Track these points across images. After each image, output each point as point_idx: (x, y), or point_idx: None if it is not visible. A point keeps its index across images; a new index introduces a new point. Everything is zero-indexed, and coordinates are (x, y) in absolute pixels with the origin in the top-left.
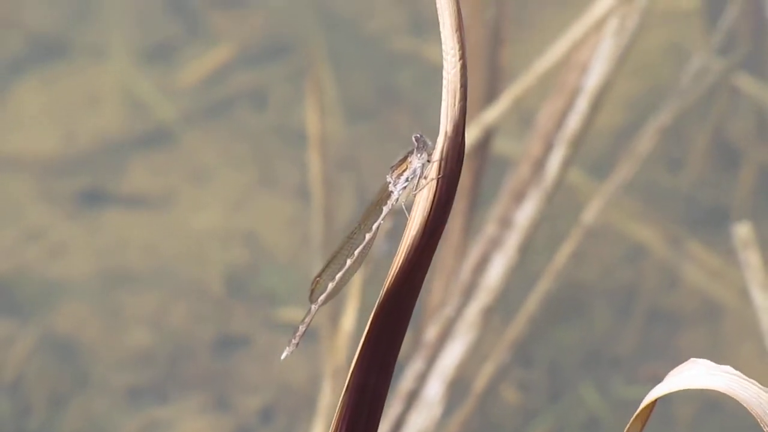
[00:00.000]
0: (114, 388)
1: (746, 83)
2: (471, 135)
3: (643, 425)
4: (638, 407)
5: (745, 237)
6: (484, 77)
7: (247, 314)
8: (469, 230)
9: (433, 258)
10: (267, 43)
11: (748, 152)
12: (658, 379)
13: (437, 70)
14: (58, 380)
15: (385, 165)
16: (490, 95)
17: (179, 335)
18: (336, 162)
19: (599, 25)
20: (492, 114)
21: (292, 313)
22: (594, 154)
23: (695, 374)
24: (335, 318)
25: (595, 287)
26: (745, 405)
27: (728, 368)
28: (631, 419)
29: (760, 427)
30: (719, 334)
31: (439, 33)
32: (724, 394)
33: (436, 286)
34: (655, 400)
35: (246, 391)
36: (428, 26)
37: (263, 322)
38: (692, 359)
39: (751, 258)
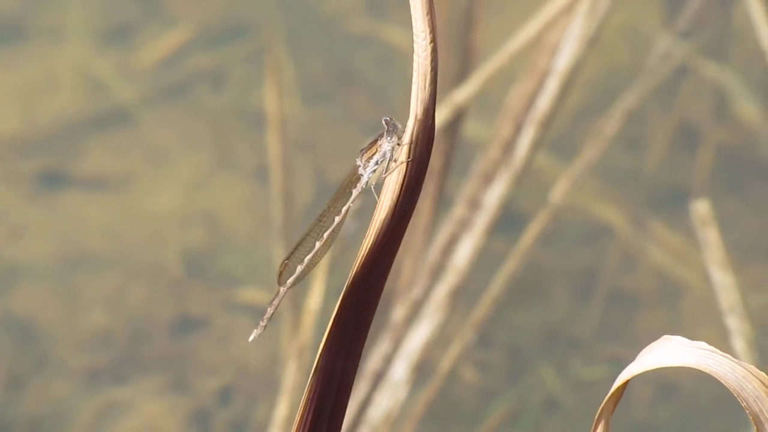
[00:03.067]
0: (72, 369)
1: (705, 65)
2: (441, 116)
3: (615, 405)
4: (596, 387)
5: (703, 215)
6: (456, 58)
7: (205, 295)
8: (439, 211)
9: (404, 239)
10: (225, 25)
11: (706, 133)
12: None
13: (395, 52)
14: (17, 361)
15: (343, 146)
16: (462, 76)
17: (138, 317)
18: (294, 143)
19: (570, 7)
20: (462, 94)
21: (250, 294)
22: (552, 134)
23: (669, 351)
24: (295, 300)
25: (555, 268)
26: (721, 380)
27: (702, 344)
28: (604, 400)
29: (738, 402)
30: (679, 315)
31: (397, 14)
32: (680, 375)
33: (405, 268)
34: (628, 380)
35: (204, 373)
36: (386, 8)
37: (222, 303)
38: (665, 336)
39: (709, 236)
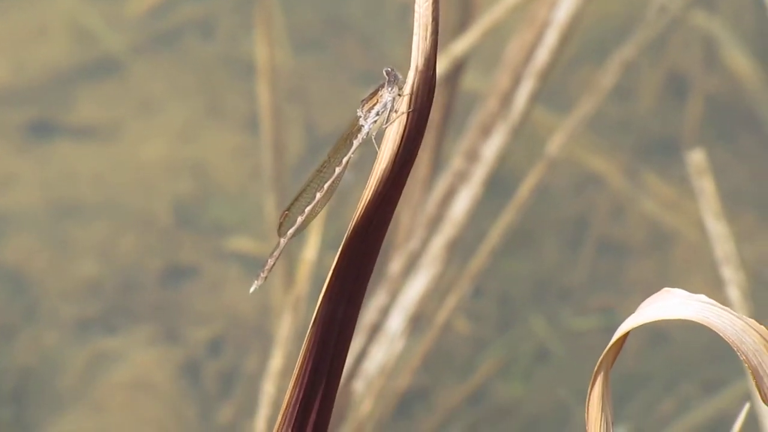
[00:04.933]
0: (62, 319)
1: (694, 15)
2: (441, 67)
3: (614, 358)
4: (587, 337)
5: (699, 164)
6: (456, 9)
7: (195, 245)
8: (437, 164)
9: (403, 192)
10: None
11: (696, 83)
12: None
13: (385, 0)
14: (6, 312)
15: (335, 96)
16: (462, 28)
17: (128, 266)
18: (285, 93)
19: None
20: (461, 46)
21: (241, 243)
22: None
23: (669, 304)
24: (286, 250)
25: (545, 218)
26: (720, 334)
27: (702, 297)
28: (604, 352)
29: (736, 355)
30: (669, 264)
31: None
32: (669, 324)
33: (403, 220)
34: (628, 332)
35: (195, 323)
36: None
37: (212, 252)
38: (666, 289)
39: (704, 185)
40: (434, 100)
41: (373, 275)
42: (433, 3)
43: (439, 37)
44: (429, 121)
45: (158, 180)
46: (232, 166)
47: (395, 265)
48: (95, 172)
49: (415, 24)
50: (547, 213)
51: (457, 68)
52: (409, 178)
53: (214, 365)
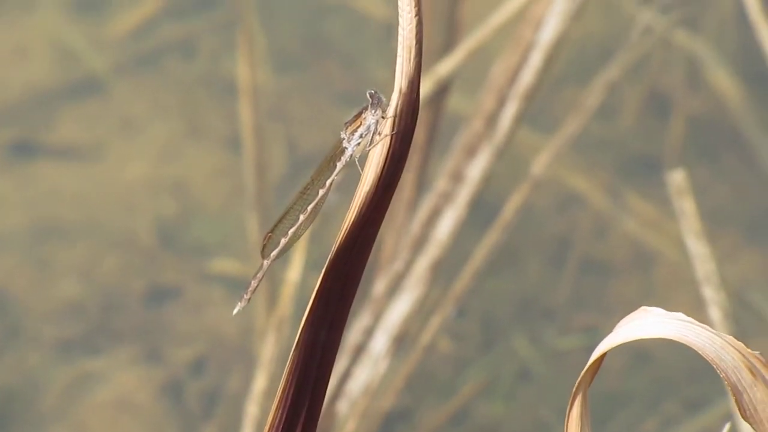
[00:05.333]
0: (45, 340)
1: (677, 34)
2: (426, 88)
3: (593, 377)
4: (569, 357)
5: (679, 184)
6: (441, 31)
7: (178, 265)
8: (422, 185)
9: (387, 213)
10: None
11: (678, 102)
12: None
13: (367, 20)
14: None
15: (316, 116)
16: (447, 49)
17: (110, 287)
18: (267, 113)
19: None
20: (446, 67)
21: (223, 264)
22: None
23: (646, 323)
24: (269, 272)
25: (528, 237)
26: (700, 352)
27: (680, 315)
28: (582, 372)
29: (716, 372)
30: (652, 284)
31: None
32: (653, 344)
33: (387, 241)
34: (605, 353)
35: (178, 343)
36: None
37: (194, 273)
38: (643, 307)
39: (685, 205)
40: (419, 120)
41: (357, 296)
42: (416, 26)
43: (425, 58)
44: (414, 142)
45: (140, 200)
46: (215, 185)
47: (379, 285)
48: (77, 192)
49: (399, 46)
50: (530, 232)
51: (443, 89)
52: (393, 200)
53: (197, 385)
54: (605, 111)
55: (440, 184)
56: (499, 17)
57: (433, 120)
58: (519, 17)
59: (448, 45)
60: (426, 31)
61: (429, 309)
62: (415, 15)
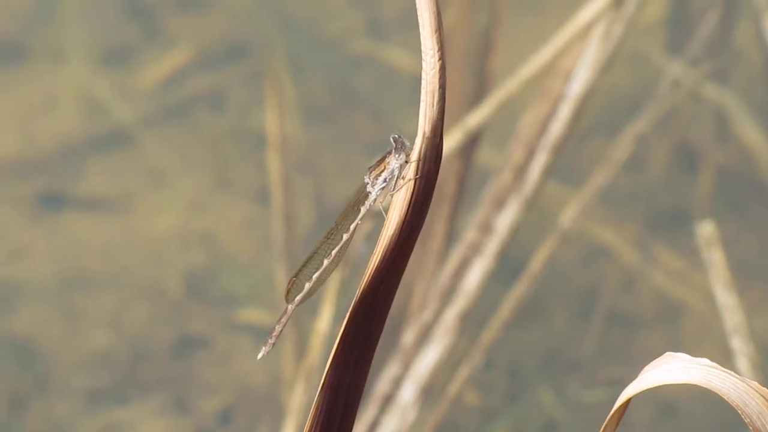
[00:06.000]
0: (74, 390)
1: (705, 86)
2: (455, 140)
3: (617, 424)
4: (595, 410)
5: (708, 236)
6: (473, 82)
7: (206, 316)
8: (451, 236)
9: (417, 263)
10: (225, 46)
11: (707, 155)
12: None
13: (395, 73)
14: (18, 382)
15: (344, 169)
16: (478, 101)
17: (138, 337)
18: (295, 165)
19: (585, 33)
20: (476, 118)
21: (251, 314)
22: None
23: (671, 368)
24: (299, 320)
25: (555, 289)
26: (725, 397)
27: (705, 360)
28: (607, 418)
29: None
30: (679, 336)
31: (397, 36)
32: (680, 395)
33: (416, 291)
34: (630, 398)
35: (205, 393)
36: (386, 29)
37: (222, 324)
38: (668, 353)
39: (714, 257)
40: (449, 172)
41: (387, 346)
42: (440, 71)
43: (456, 109)
44: (444, 193)
45: (169, 251)
46: (243, 237)
47: (408, 335)
48: (106, 244)
49: (422, 91)
50: (557, 284)
51: (472, 140)
52: (423, 250)
53: None
54: (634, 163)
55: (469, 235)
56: (529, 69)
57: (462, 171)
58: (549, 69)
59: (478, 96)
60: (457, 82)
61: (457, 360)
62: (439, 59)
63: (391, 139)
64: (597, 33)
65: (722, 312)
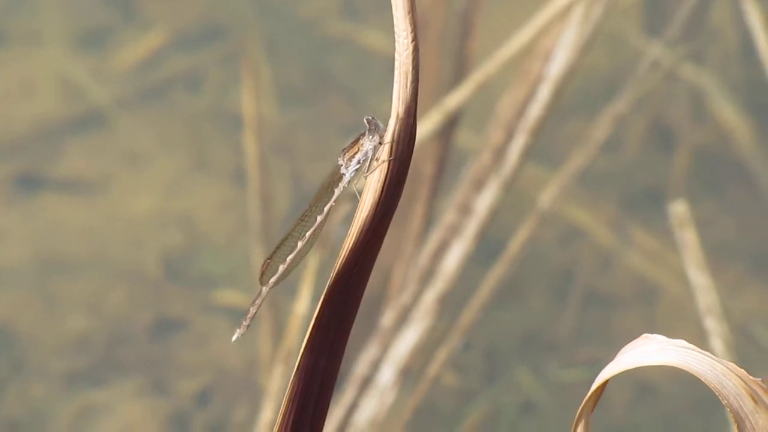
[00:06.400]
0: (51, 372)
1: (681, 66)
2: (434, 121)
3: (594, 405)
4: (573, 390)
5: (681, 216)
6: (451, 63)
7: (184, 298)
8: (430, 218)
9: (396, 245)
10: (201, 28)
11: (683, 134)
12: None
13: (371, 55)
14: None
15: (321, 150)
16: (457, 82)
17: (116, 319)
18: (271, 147)
19: (564, 14)
20: (455, 100)
21: (229, 296)
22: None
23: (648, 350)
24: (277, 303)
25: (531, 270)
26: (701, 378)
27: (682, 342)
28: (584, 399)
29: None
30: (655, 316)
31: (373, 18)
32: (658, 376)
33: (395, 274)
34: (607, 381)
35: (183, 375)
36: (362, 11)
37: (200, 305)
38: (645, 335)
39: (687, 237)
40: (427, 154)
41: (365, 328)
42: (413, 52)
43: (434, 91)
44: (422, 174)
45: (146, 233)
46: (220, 218)
47: (387, 318)
48: (83, 226)
49: (396, 72)
50: (534, 265)
51: (451, 122)
52: (402, 232)
53: (203, 417)
54: (610, 143)
55: (448, 217)
56: (507, 51)
57: (441, 153)
58: (528, 51)
59: (457, 78)
60: (435, 64)
61: (435, 341)
62: (412, 41)
63: (365, 121)
64: (576, 14)
65: (695, 292)
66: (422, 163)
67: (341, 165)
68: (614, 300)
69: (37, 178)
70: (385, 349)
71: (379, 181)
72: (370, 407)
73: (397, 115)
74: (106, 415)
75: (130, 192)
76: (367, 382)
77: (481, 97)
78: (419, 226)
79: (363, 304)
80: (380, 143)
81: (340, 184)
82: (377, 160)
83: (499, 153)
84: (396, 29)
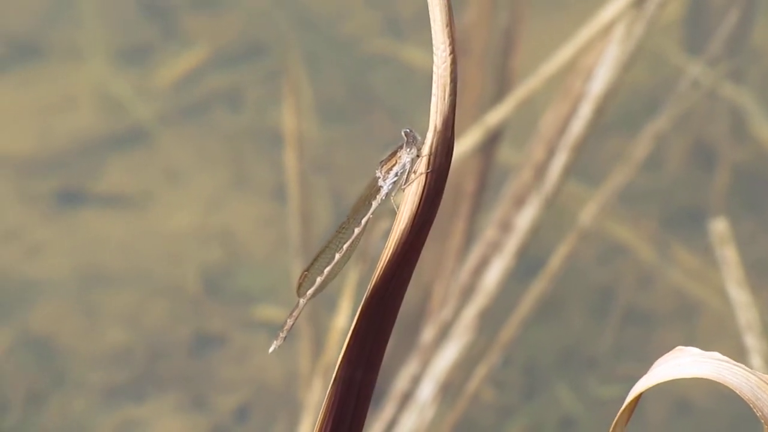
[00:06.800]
0: (91, 386)
1: (722, 84)
2: (476, 137)
3: (629, 419)
4: (612, 406)
5: (721, 233)
6: (494, 80)
7: (223, 313)
8: (471, 234)
9: (436, 261)
10: (242, 45)
11: (723, 153)
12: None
13: (413, 72)
14: (36, 379)
15: (361, 167)
16: (498, 99)
17: (156, 334)
18: (312, 164)
19: (606, 31)
20: (497, 116)
21: (268, 312)
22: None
23: (682, 363)
24: (315, 316)
25: (571, 287)
26: (736, 391)
27: (716, 354)
28: (618, 413)
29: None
30: (695, 334)
31: (414, 35)
32: (694, 392)
33: (436, 290)
34: (641, 393)
35: (222, 390)
36: (404, 28)
37: (239, 321)
38: (679, 347)
39: (727, 254)
40: (469, 170)
41: (406, 344)
42: (451, 65)
43: (476, 107)
44: (464, 191)
45: (186, 249)
46: (260, 235)
47: (427, 334)
48: (123, 241)
49: (434, 85)
50: (574, 282)
51: (493, 139)
52: (443, 248)
53: None
54: (650, 161)
55: (489, 233)
56: (550, 68)
57: (483, 169)
58: (570, 68)
59: (499, 94)
60: (477, 80)
61: (475, 358)
62: (450, 53)
63: (403, 133)
64: (618, 31)
65: (736, 309)
66: (464, 180)
67: (379, 177)
68: (654, 317)
69: (78, 194)
70: (425, 364)
71: (416, 193)
72: (410, 423)
73: (435, 127)
74: (145, 429)
75: (170, 208)
76: (406, 398)
77: (523, 113)
78: (460, 242)
79: (404, 320)
80: (418, 156)
81: (377, 197)
82: (415, 172)
83: (541, 170)
84: (434, 42)
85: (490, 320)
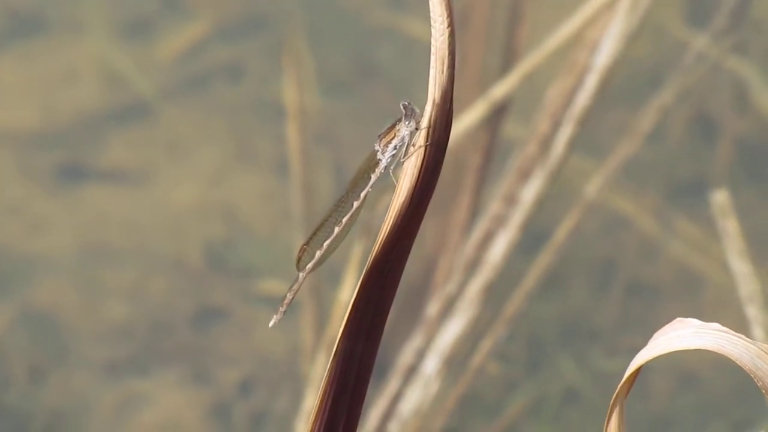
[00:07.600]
0: (93, 361)
1: (726, 60)
2: (480, 112)
3: (628, 391)
4: (616, 379)
5: (722, 204)
6: (499, 53)
7: (226, 287)
8: (477, 208)
9: (441, 235)
10: (244, 17)
11: (725, 124)
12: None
13: (416, 45)
14: (37, 354)
15: (363, 139)
16: (503, 72)
17: (158, 309)
18: (314, 137)
19: (611, 3)
20: (502, 90)
21: (271, 286)
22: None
23: (682, 334)
24: (317, 290)
25: (574, 259)
26: (736, 361)
27: (716, 325)
28: (618, 386)
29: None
30: (699, 305)
31: (416, 7)
32: (699, 365)
33: (441, 264)
34: (641, 366)
35: (225, 364)
36: (406, 1)
37: (242, 295)
38: (678, 318)
39: (728, 225)
40: (474, 144)
41: (410, 318)
42: (449, 36)
43: (481, 81)
44: (468, 165)
45: (188, 223)
46: (262, 209)
47: (432, 308)
48: (125, 216)
49: (432, 57)
50: (576, 255)
51: (498, 112)
52: (447, 222)
53: (245, 406)
54: (652, 134)
55: (494, 207)
56: (554, 41)
57: (488, 143)
58: (575, 41)
59: (504, 68)
60: (482, 54)
61: (480, 331)
62: (448, 26)
63: (401, 106)
64: (623, 4)
65: (737, 280)
66: (468, 154)
67: (378, 150)
68: (657, 289)
69: (80, 169)
70: (429, 338)
71: (415, 166)
72: (415, 396)
73: (434, 100)
74: (148, 404)
75: (172, 182)
76: (411, 372)
77: (527, 87)
78: (465, 216)
79: (408, 294)
80: (417, 128)
81: (376, 170)
82: (414, 145)
83: (546, 143)
84: (432, 14)
85: (496, 294)
